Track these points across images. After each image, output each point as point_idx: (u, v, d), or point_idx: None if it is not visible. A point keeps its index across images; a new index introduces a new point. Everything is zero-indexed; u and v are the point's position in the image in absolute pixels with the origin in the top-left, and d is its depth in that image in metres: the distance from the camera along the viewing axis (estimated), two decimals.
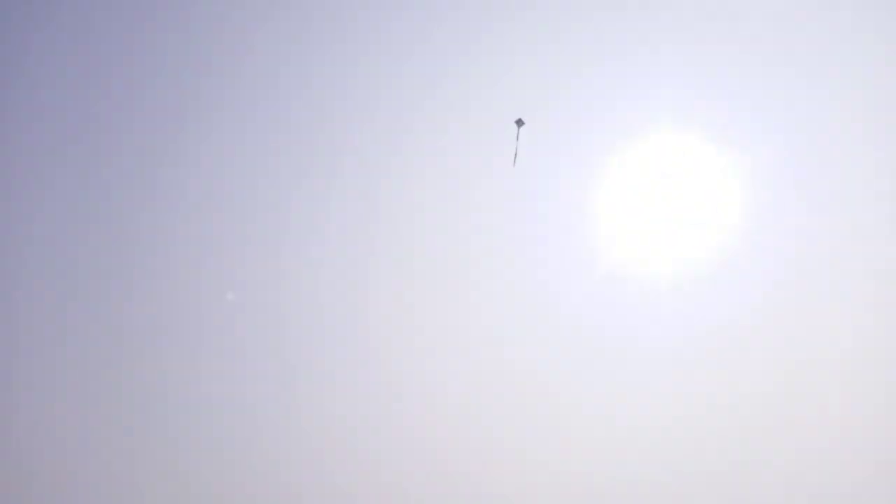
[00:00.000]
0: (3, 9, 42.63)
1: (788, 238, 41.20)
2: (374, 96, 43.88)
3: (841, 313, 39.33)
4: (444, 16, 43.59)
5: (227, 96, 44.02)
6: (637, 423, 38.91)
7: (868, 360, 38.52)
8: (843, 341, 38.85)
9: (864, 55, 40.73)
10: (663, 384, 39.54)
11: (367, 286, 42.33)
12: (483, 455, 39.18)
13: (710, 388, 39.18)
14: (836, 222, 40.76)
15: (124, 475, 38.55)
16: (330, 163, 44.09)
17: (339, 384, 40.70)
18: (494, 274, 42.49)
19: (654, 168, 42.97)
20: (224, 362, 41.20)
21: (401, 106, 44.00)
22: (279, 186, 43.92)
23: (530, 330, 41.29)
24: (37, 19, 42.93)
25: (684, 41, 42.29)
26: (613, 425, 39.14)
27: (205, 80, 44.06)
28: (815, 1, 41.49)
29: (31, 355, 40.50)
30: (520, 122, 33.90)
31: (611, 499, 37.94)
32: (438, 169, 43.61)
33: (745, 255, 41.73)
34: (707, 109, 42.43)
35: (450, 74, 43.54)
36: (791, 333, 39.62)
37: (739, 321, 40.31)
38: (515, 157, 33.65)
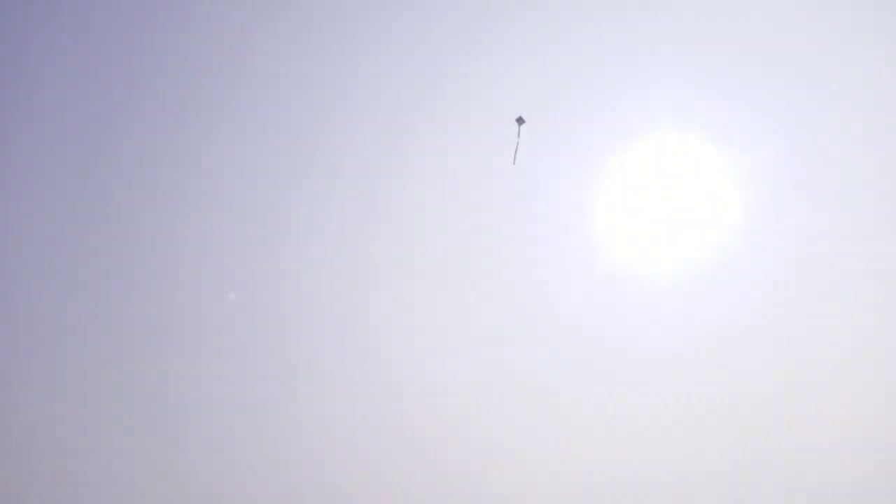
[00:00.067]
0: (2, 9, 42.68)
1: (788, 238, 41.23)
2: (373, 96, 43.90)
3: (841, 313, 39.36)
4: (443, 15, 43.62)
5: (227, 96, 44.06)
6: (637, 423, 38.94)
7: (868, 360, 38.56)
8: (844, 341, 38.88)
9: (864, 55, 40.79)
10: (663, 384, 39.57)
11: (367, 286, 42.37)
12: (483, 455, 39.22)
13: (710, 388, 39.21)
14: (836, 222, 40.80)
15: (124, 475, 38.61)
16: (329, 162, 44.11)
17: (339, 384, 40.74)
18: (494, 274, 42.52)
19: (655, 168, 42.99)
20: (224, 362, 41.25)
21: (400, 106, 44.03)
22: (279, 186, 43.94)
23: (530, 330, 41.32)
24: (36, 19, 42.95)
25: (684, 41, 42.32)
26: (613, 425, 39.17)
27: (204, 80, 44.08)
28: (815, 1, 41.60)
29: (30, 355, 40.58)
30: (520, 121, 33.91)
31: (611, 499, 37.97)
32: (438, 168, 43.64)
33: (745, 255, 41.78)
34: (707, 109, 42.47)
35: (449, 74, 43.55)
36: (791, 333, 39.66)
37: (739, 321, 40.34)
38: (516, 155, 33.67)
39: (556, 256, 42.90)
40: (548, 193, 43.18)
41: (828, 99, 41.37)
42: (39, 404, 39.64)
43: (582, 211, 43.38)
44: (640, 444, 38.61)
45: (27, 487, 37.77)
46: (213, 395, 40.38)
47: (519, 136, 33.59)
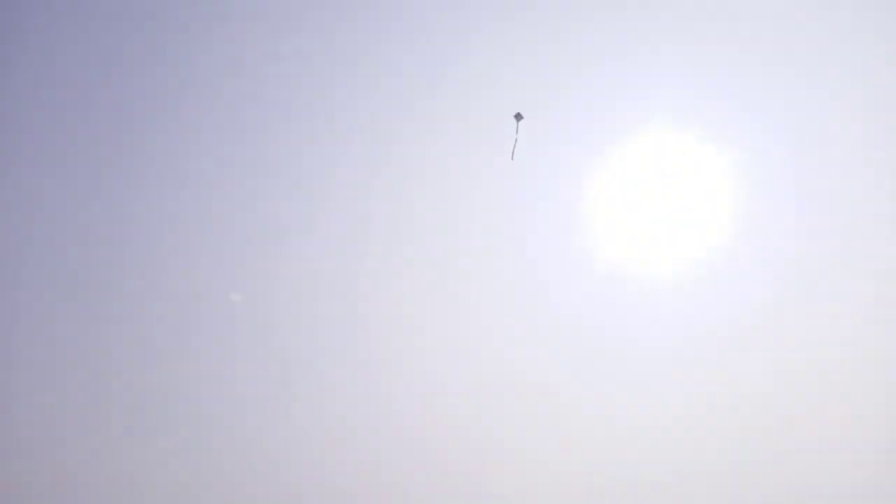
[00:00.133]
0: (2, 9, 42.85)
1: (787, 238, 41.22)
2: (369, 95, 43.95)
3: (841, 313, 39.32)
4: (441, 13, 43.72)
5: (226, 96, 44.15)
6: (637, 423, 38.89)
7: (868, 359, 38.51)
8: (844, 341, 38.84)
9: (864, 55, 40.85)
10: (663, 384, 39.51)
11: (365, 286, 42.36)
12: (483, 455, 39.16)
13: (709, 388, 39.15)
14: (835, 222, 40.78)
15: (123, 475, 38.58)
16: (325, 162, 44.16)
17: (338, 384, 40.71)
18: (493, 273, 42.52)
19: (654, 167, 43.03)
20: (222, 363, 41.25)
21: (397, 105, 44.07)
22: (275, 185, 44.00)
23: (529, 330, 41.30)
24: (36, 19, 43.11)
25: (684, 41, 42.40)
26: (613, 425, 39.11)
27: (201, 80, 44.19)
28: (815, 1, 41.69)
29: (29, 356, 40.59)
30: (518, 117, 33.97)
31: (611, 499, 37.90)
32: (436, 167, 43.66)
33: (745, 255, 41.76)
34: (706, 109, 42.52)
35: (446, 72, 43.59)
36: (790, 333, 39.60)
37: (739, 321, 40.30)
38: (514, 152, 33.72)
39: (555, 256, 42.93)
40: (546, 192, 43.25)
41: (827, 98, 41.45)
42: (38, 405, 39.65)
43: (581, 210, 43.43)
44: (639, 444, 38.55)
45: (27, 487, 37.79)
46: (213, 396, 40.38)
47: (517, 132, 33.65)
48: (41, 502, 37.74)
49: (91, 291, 42.21)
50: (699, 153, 42.61)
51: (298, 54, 43.97)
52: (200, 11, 43.77)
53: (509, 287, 42.30)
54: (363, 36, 43.80)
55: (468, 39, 43.39)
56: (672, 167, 42.70)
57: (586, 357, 40.68)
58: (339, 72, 43.74)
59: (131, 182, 43.39)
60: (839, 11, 41.08)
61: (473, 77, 43.10)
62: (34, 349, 40.68)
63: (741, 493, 37.48)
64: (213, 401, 40.35)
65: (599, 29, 42.64)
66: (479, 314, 41.87)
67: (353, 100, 43.80)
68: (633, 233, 42.95)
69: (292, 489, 38.71)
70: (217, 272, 42.60)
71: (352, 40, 43.74)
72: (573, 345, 40.95)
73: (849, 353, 38.52)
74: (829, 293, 39.77)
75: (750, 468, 37.72)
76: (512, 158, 34.12)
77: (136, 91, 43.59)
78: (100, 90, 43.86)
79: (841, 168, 40.97)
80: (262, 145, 43.76)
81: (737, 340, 39.95)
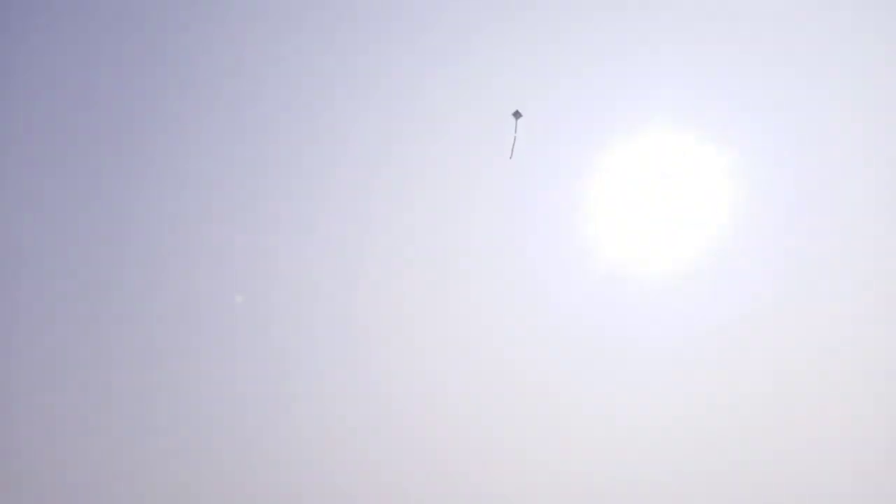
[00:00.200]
0: (2, 8, 42.86)
1: (788, 237, 41.22)
2: (369, 95, 43.94)
3: (842, 313, 39.32)
4: (442, 13, 43.70)
5: (225, 95, 44.14)
6: (636, 423, 38.90)
7: (869, 359, 38.50)
8: (844, 341, 38.83)
9: (864, 55, 40.81)
10: (663, 383, 39.53)
11: (363, 286, 42.36)
12: (483, 455, 39.18)
13: (710, 388, 39.16)
14: (836, 222, 40.77)
15: (123, 475, 38.61)
16: (322, 161, 44.14)
17: (337, 385, 40.73)
18: (493, 273, 42.53)
19: (654, 167, 43.00)
20: (223, 362, 41.28)
21: (394, 103, 44.03)
22: (272, 185, 44.00)
23: (529, 329, 41.31)
24: (33, 19, 43.12)
25: (683, 41, 42.36)
26: (613, 425, 39.13)
27: (201, 80, 44.21)
28: (815, 1, 41.64)
29: (28, 355, 40.63)
30: (517, 114, 33.93)
31: (611, 499, 37.92)
32: (433, 166, 43.62)
33: (745, 255, 41.74)
34: (706, 108, 42.49)
35: (445, 72, 43.54)
36: (791, 333, 39.60)
37: (739, 321, 40.27)
38: (513, 150, 33.68)
39: (554, 255, 42.90)
40: (546, 192, 43.21)
41: (827, 98, 41.41)
42: (36, 405, 39.69)
43: (581, 210, 43.39)
44: (639, 444, 38.58)
45: (27, 487, 37.82)
46: (211, 396, 40.42)
47: (516, 130, 33.60)
48: (41, 502, 37.82)
49: (90, 291, 42.27)
50: (699, 153, 42.60)
51: (298, 54, 43.97)
52: (200, 11, 43.80)
53: (509, 286, 42.32)
54: (363, 36, 43.81)
55: (468, 38, 43.36)
56: (672, 166, 42.68)
57: (586, 356, 40.70)
58: (339, 71, 43.75)
59: (129, 182, 43.42)
60: (839, 11, 41.07)
61: (473, 76, 43.09)
62: (33, 349, 40.77)
63: (741, 493, 37.51)
64: (212, 401, 40.40)
65: (599, 28, 42.63)
66: (478, 313, 41.89)
67: (354, 99, 43.80)
68: (633, 232, 42.94)
69: (292, 489, 38.75)
70: (216, 272, 42.64)
71: (351, 40, 43.74)
72: (573, 344, 40.98)
73: (849, 353, 38.54)
74: (830, 293, 39.78)
75: (750, 468, 37.75)
76: (511, 157, 34.10)
77: (135, 91, 43.62)
78: (98, 90, 43.90)
79: (841, 168, 40.97)
80: (262, 145, 43.78)
81: (737, 340, 39.97)
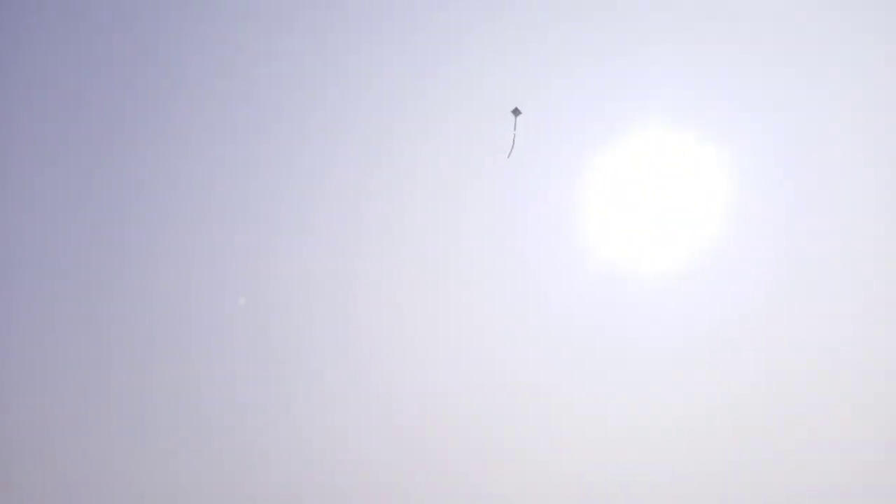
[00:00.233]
0: (2, 8, 42.70)
1: (787, 237, 41.13)
2: (363, 95, 43.78)
3: (842, 313, 39.30)
4: (436, 11, 43.49)
5: (218, 95, 43.97)
6: (635, 423, 38.94)
7: (869, 359, 38.52)
8: (844, 341, 38.83)
9: (864, 55, 40.69)
10: (661, 384, 39.52)
11: (359, 286, 42.31)
12: (481, 455, 39.27)
13: (708, 388, 39.16)
14: (836, 221, 40.67)
15: (122, 475, 38.72)
16: (317, 161, 44.00)
17: (336, 385, 40.76)
18: (489, 272, 42.47)
19: (653, 166, 42.91)
20: (222, 362, 41.30)
21: (390, 103, 43.84)
22: (269, 185, 43.88)
23: (526, 329, 41.28)
24: (28, 18, 42.97)
25: (682, 40, 42.21)
26: (612, 425, 39.17)
27: (194, 79, 44.06)
28: (815, 1, 41.48)
29: (28, 355, 40.67)
30: (516, 112, 33.73)
31: (610, 499, 38.04)
32: (429, 166, 43.46)
33: (744, 255, 41.64)
34: (706, 108, 42.33)
35: (442, 71, 43.33)
36: (791, 333, 39.58)
37: (738, 321, 40.23)
38: (512, 149, 33.54)
39: (551, 255, 42.81)
40: (543, 191, 43.08)
41: (827, 98, 41.27)
42: (36, 405, 39.78)
43: (578, 209, 43.30)
44: (638, 444, 38.64)
45: (26, 487, 37.93)
46: (211, 396, 40.49)
47: (515, 128, 33.42)
48: (41, 502, 37.94)
49: (86, 291, 42.24)
50: (698, 153, 42.48)
51: (291, 53, 43.77)
52: (193, 11, 43.61)
53: (506, 286, 42.26)
54: (355, 35, 43.60)
55: (463, 37, 43.16)
56: (670, 166, 42.59)
57: (583, 357, 40.68)
58: (333, 71, 43.58)
59: (123, 182, 43.31)
60: (839, 11, 40.91)
61: (469, 75, 42.89)
62: (32, 349, 40.82)
63: (740, 493, 37.61)
64: (212, 400, 40.47)
65: (598, 28, 42.47)
66: (475, 313, 41.85)
67: (348, 99, 43.63)
68: (631, 232, 42.85)
69: (292, 489, 38.87)
70: (212, 272, 42.59)
71: (343, 40, 43.55)
72: (570, 344, 40.93)
73: (849, 353, 38.53)
74: (830, 293, 39.70)
75: (749, 468, 37.83)
76: (509, 156, 34.00)
77: (128, 91, 43.45)
78: (92, 89, 43.74)
79: (841, 168, 40.87)
80: (255, 145, 43.63)
81: (736, 340, 39.90)
